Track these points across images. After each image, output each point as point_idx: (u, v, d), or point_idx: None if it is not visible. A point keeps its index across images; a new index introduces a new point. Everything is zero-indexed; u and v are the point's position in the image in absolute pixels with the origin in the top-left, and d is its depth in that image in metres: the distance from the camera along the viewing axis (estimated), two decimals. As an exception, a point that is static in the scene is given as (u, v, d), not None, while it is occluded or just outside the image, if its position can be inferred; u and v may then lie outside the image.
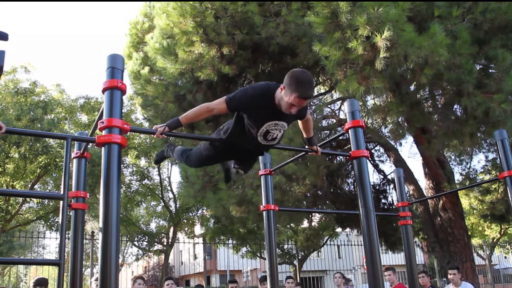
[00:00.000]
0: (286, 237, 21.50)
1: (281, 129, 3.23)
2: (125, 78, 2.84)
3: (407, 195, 9.55)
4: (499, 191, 11.84)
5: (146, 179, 23.60)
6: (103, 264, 2.41)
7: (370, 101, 9.53)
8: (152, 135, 3.09)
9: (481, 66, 7.34)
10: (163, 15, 8.34)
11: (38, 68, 74.68)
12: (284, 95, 2.96)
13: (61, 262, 2.70)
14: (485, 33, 6.83)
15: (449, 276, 7.45)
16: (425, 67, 6.32)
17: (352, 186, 11.97)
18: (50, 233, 20.18)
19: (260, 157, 4.39)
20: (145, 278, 7.44)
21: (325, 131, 10.09)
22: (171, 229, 24.54)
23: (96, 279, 6.66)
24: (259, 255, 22.20)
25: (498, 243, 23.40)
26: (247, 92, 3.12)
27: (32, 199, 19.88)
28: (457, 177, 11.72)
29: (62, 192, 2.91)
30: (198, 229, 26.94)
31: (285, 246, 22.05)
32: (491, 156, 11.35)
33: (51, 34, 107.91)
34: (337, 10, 6.24)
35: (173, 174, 53.29)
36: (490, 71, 7.16)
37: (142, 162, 23.25)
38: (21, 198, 18.89)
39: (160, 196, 24.25)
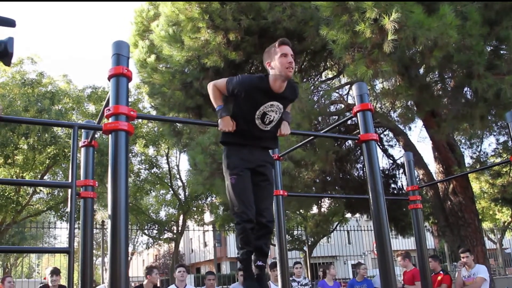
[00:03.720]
0: (295, 223, 21.53)
1: (277, 111, 3.32)
2: (131, 67, 2.80)
3: (417, 179, 9.49)
4: (510, 174, 11.74)
5: (155, 168, 23.71)
6: (112, 251, 2.40)
7: (379, 85, 9.45)
8: (160, 122, 3.07)
9: (492, 47, 7.22)
10: (168, 2, 8.28)
11: (44, 59, 74.80)
12: (272, 64, 3.21)
13: (71, 249, 2.69)
14: (496, 13, 6.70)
15: (462, 260, 7.40)
16: (434, 49, 6.22)
17: (361, 171, 11.92)
18: (61, 223, 20.33)
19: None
20: (157, 267, 7.50)
21: (334, 116, 10.02)
22: (181, 217, 24.66)
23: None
24: (268, 241, 22.25)
25: (509, 226, 23.28)
26: (245, 76, 3.37)
27: (42, 189, 20.02)
28: (468, 161, 11.62)
29: (70, 181, 2.90)
30: (207, 217, 27.05)
31: (295, 232, 22.10)
32: (502, 139, 11.23)
33: (57, 24, 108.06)
34: (344, -7, 6.15)
35: (181, 162, 53.44)
36: (502, 52, 7.05)
37: (151, 150, 23.33)
38: (31, 189, 19.03)
39: (169, 184, 24.35)
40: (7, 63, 2.48)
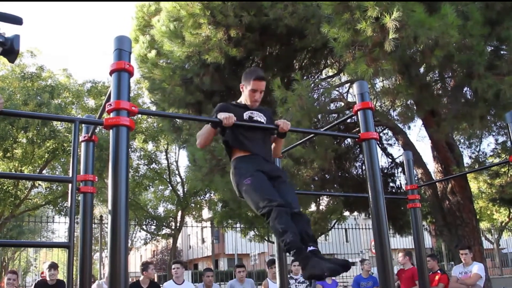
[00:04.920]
0: (293, 221, 21.47)
1: (260, 116, 3.55)
2: (132, 62, 2.80)
3: (416, 178, 9.49)
4: (509, 175, 11.75)
5: (154, 163, 23.68)
6: (112, 246, 2.40)
7: (379, 83, 9.45)
8: (159, 118, 3.08)
9: (492, 48, 7.22)
10: (170, -1, 8.27)
11: (44, 52, 74.59)
12: (245, 89, 3.54)
13: (71, 244, 2.69)
14: (497, 13, 6.71)
15: (461, 256, 7.42)
16: (435, 49, 6.23)
17: (360, 170, 11.93)
18: (59, 217, 20.33)
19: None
20: (154, 262, 7.57)
21: (333, 114, 10.03)
22: (179, 213, 24.66)
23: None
24: (267, 239, 22.30)
25: (507, 227, 23.34)
26: (219, 104, 3.60)
27: (41, 184, 20.00)
28: (466, 161, 11.62)
29: (70, 175, 2.90)
30: (206, 213, 27.05)
31: (293, 230, 22.07)
32: (501, 139, 11.23)
33: (57, 18, 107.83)
34: (346, -9, 6.15)
35: (180, 158, 53.41)
36: (502, 52, 7.06)
37: (150, 146, 23.31)
38: (29, 183, 19.01)
39: (168, 180, 24.32)
40: (12, 60, 2.50)
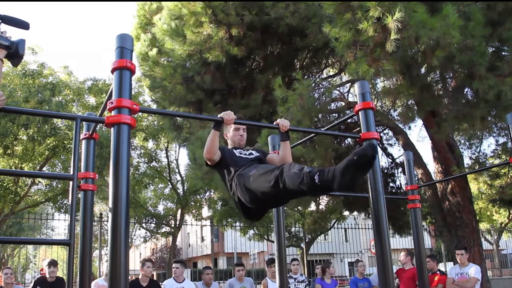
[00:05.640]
0: (293, 220, 21.55)
1: (249, 149, 3.77)
2: (133, 60, 2.81)
3: (416, 178, 9.48)
4: (509, 176, 11.75)
5: (154, 161, 23.69)
6: (112, 244, 2.40)
7: (380, 84, 9.44)
8: (160, 116, 3.08)
9: (494, 49, 7.22)
10: (172, -3, 8.27)
11: (45, 50, 74.56)
12: (229, 134, 3.78)
13: (71, 242, 2.70)
14: (499, 14, 6.70)
15: (457, 257, 7.40)
16: (436, 49, 6.21)
17: (360, 170, 11.89)
18: (59, 215, 20.34)
19: (269, 139, 4.69)
20: (153, 260, 7.55)
21: (334, 114, 10.02)
22: (179, 212, 24.67)
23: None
24: (266, 237, 22.32)
25: (506, 228, 23.33)
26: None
27: (41, 181, 20.00)
28: (467, 161, 11.59)
29: (71, 173, 2.91)
30: (205, 212, 27.06)
31: (293, 229, 22.13)
32: (501, 140, 11.22)
33: (59, 15, 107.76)
34: (348, -9, 6.15)
35: (181, 156, 53.43)
36: (503, 53, 7.05)
37: (150, 144, 23.31)
38: (29, 180, 19.02)
39: (168, 178, 24.33)
40: (16, 64, 2.52)
